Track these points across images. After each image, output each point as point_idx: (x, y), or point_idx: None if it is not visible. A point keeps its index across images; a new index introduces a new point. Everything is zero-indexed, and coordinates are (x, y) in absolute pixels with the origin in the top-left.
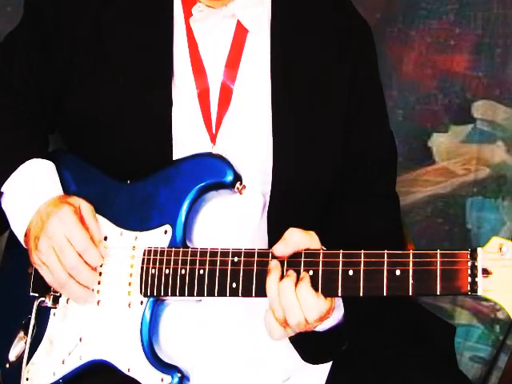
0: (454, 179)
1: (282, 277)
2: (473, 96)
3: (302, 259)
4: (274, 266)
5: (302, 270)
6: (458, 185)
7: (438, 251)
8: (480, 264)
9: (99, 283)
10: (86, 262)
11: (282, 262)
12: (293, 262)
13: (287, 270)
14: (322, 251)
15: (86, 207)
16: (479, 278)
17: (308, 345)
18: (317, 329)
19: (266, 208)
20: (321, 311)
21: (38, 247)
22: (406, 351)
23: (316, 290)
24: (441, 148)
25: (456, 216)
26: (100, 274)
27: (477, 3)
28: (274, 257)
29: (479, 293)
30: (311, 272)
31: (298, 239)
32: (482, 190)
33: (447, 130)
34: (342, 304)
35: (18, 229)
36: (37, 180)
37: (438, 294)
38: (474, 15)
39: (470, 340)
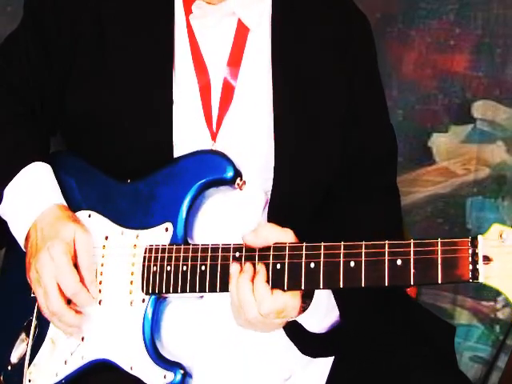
0: (453, 179)
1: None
2: (473, 96)
3: (286, 252)
4: (233, 270)
5: (257, 263)
6: (458, 185)
7: (439, 239)
8: (481, 251)
9: (100, 283)
10: (71, 308)
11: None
12: (263, 256)
13: (245, 263)
14: (288, 244)
15: (80, 239)
16: (480, 265)
17: (305, 342)
18: (312, 330)
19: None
20: (275, 306)
21: (30, 275)
22: (406, 351)
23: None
24: (441, 148)
25: (456, 216)
26: (101, 273)
27: (477, 3)
28: (247, 250)
29: (480, 280)
30: (278, 266)
31: (269, 233)
32: (481, 189)
33: (447, 130)
34: (335, 308)
35: (18, 235)
36: (34, 186)
37: (440, 282)
38: (474, 15)
39: (470, 340)
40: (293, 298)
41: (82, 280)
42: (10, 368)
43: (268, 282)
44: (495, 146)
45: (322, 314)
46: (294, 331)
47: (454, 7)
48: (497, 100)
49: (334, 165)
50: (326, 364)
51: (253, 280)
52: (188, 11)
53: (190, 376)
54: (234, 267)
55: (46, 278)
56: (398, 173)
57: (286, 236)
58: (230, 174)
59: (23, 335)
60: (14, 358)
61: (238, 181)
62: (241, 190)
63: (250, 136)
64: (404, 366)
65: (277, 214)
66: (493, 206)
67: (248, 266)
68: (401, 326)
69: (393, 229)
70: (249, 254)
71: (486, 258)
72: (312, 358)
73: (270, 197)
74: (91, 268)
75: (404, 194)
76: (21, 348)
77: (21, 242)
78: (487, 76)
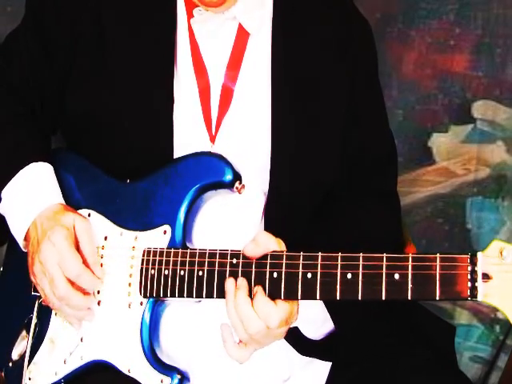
0: (453, 179)
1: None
2: (473, 96)
3: (283, 261)
4: (229, 287)
5: (253, 285)
6: (458, 185)
7: (438, 255)
8: (480, 269)
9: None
10: (79, 288)
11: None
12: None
13: (239, 279)
14: (285, 253)
15: (80, 225)
16: (479, 283)
17: (303, 345)
18: (309, 337)
19: None
20: (281, 316)
21: (34, 269)
22: (406, 351)
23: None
24: (441, 148)
25: (456, 216)
26: None
27: (477, 3)
28: (244, 257)
29: (479, 298)
30: (275, 274)
31: (268, 241)
32: (481, 189)
33: (447, 130)
34: (328, 318)
35: (17, 235)
36: (34, 186)
37: (438, 298)
38: (474, 15)
39: (470, 340)
40: (293, 304)
41: (85, 262)
42: (11, 365)
43: (265, 293)
44: (495, 146)
45: (320, 322)
46: (292, 334)
47: (453, 7)
48: (497, 100)
49: (333, 165)
50: (325, 364)
51: (249, 295)
52: (190, 15)
53: (188, 380)
54: (229, 284)
55: (50, 264)
56: (398, 173)
57: (280, 247)
58: (228, 177)
59: (24, 333)
60: (15, 354)
61: (236, 184)
62: (240, 193)
63: (248, 139)
64: (404, 366)
65: (275, 214)
66: (493, 206)
67: (241, 281)
68: (402, 328)
69: (392, 230)
70: (246, 261)
71: (486, 276)
72: (311, 358)
73: (267, 197)
74: (94, 251)
75: (404, 194)
76: (21, 345)
77: (20, 241)
78: (487, 76)
